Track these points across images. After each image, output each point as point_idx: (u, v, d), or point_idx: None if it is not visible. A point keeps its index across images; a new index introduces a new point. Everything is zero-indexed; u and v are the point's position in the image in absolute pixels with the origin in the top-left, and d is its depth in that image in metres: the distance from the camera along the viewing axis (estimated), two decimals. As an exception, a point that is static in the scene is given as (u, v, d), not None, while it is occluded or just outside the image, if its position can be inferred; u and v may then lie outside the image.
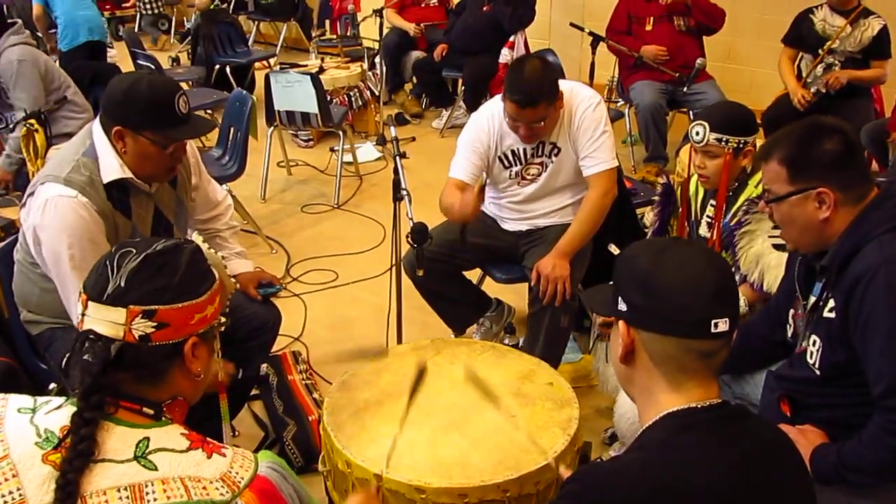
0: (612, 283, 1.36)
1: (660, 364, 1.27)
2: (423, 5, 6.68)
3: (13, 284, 2.35)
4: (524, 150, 2.83)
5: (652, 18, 5.09)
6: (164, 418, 1.26)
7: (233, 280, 1.46)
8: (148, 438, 1.20)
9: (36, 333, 2.32)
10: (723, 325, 1.23)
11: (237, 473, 1.21)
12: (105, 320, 1.22)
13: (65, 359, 1.23)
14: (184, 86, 6.13)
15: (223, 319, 1.38)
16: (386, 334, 2.76)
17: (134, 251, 1.26)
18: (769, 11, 5.73)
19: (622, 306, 1.29)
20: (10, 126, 3.89)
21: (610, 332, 2.55)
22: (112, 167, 2.13)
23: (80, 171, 2.11)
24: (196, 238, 1.46)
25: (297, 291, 3.87)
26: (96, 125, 2.18)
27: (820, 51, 4.44)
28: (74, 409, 1.19)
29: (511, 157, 2.86)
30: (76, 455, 1.14)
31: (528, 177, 2.89)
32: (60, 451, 1.16)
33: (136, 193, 2.23)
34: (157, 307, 1.23)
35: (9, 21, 4.02)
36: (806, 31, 4.52)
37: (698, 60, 4.97)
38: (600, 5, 6.13)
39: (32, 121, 3.72)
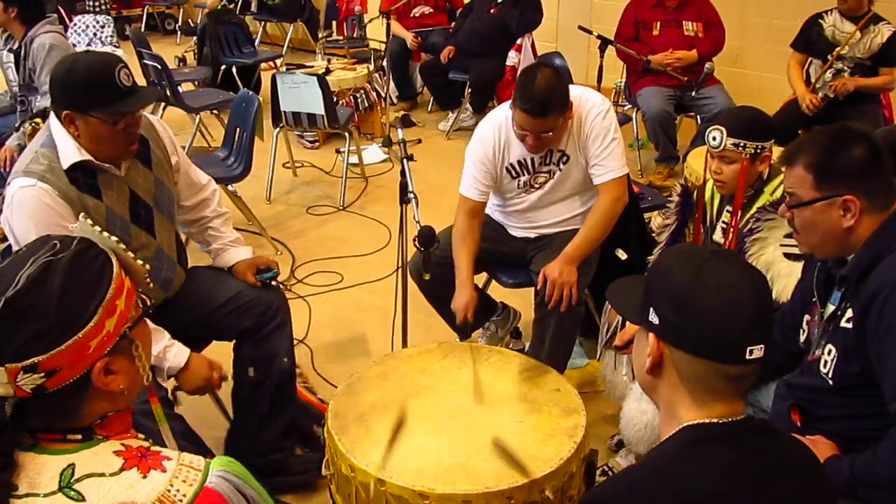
0: (632, 276, 1.33)
1: (687, 382, 1.23)
2: (417, 15, 6.67)
3: None
4: (532, 159, 2.80)
5: (659, 23, 5.09)
6: (95, 437, 1.14)
7: (140, 262, 1.25)
8: (73, 465, 1.09)
9: None
10: (758, 352, 1.19)
11: (178, 490, 1.09)
12: None
13: None
14: (190, 86, 6.20)
15: (141, 309, 1.21)
16: (391, 337, 2.74)
17: None
18: (777, 16, 5.71)
19: (654, 318, 1.25)
20: (31, 112, 3.91)
21: (628, 352, 2.53)
22: (69, 152, 2.11)
23: (38, 161, 2.10)
24: (81, 223, 1.24)
25: (302, 293, 3.85)
26: (52, 115, 2.16)
27: (829, 56, 4.43)
28: None
29: (518, 168, 2.83)
30: None
31: (536, 185, 2.87)
32: None
33: (103, 173, 2.20)
34: (36, 359, 1.06)
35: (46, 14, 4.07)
36: (815, 37, 4.51)
37: (706, 65, 4.96)
38: (608, 8, 6.13)
39: (38, 119, 3.71)
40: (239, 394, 2.57)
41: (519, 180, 2.85)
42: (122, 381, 1.16)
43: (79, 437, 1.13)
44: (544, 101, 2.55)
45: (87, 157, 2.12)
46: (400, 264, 2.62)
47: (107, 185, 2.20)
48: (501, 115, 2.80)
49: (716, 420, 1.22)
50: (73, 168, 2.11)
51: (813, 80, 4.58)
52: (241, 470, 1.18)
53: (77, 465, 1.09)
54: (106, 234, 1.21)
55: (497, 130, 2.79)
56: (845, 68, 4.44)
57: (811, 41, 4.56)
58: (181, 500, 1.09)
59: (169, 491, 1.09)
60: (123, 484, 1.08)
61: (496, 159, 2.80)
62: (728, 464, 1.17)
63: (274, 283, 2.57)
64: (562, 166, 2.80)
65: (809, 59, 4.65)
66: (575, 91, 2.71)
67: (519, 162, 2.81)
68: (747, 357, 1.18)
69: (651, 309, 1.25)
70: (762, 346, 1.19)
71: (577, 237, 2.74)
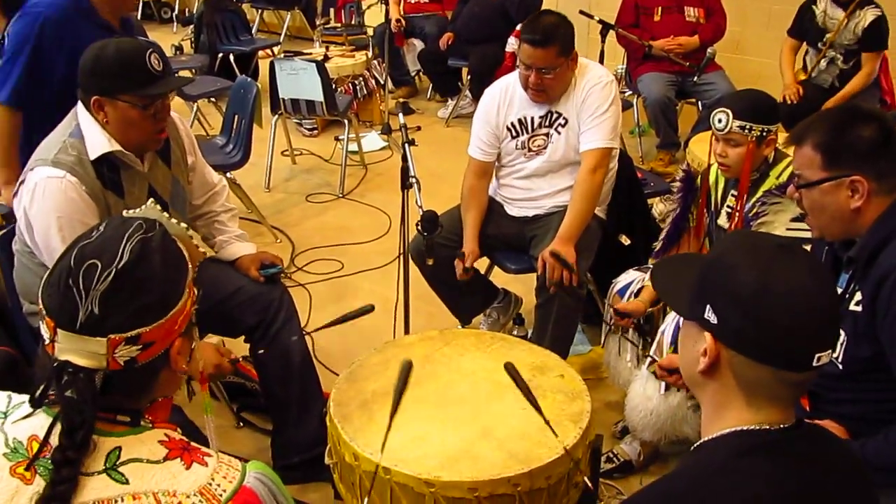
0: (679, 256, 1.26)
1: (745, 387, 1.15)
2: (412, 1, 6.63)
3: (14, 276, 2.31)
4: (531, 118, 2.85)
5: (660, 9, 5.05)
6: (142, 423, 1.16)
7: (201, 249, 1.34)
8: (120, 448, 1.10)
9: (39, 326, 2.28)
10: (825, 358, 1.12)
11: (219, 485, 1.11)
12: (83, 351, 1.09)
13: (38, 390, 1.13)
14: (187, 73, 6.16)
15: (196, 294, 1.25)
16: (393, 325, 2.72)
17: (99, 265, 1.09)
18: (778, 1, 5.66)
19: (711, 317, 1.14)
20: None
21: (626, 324, 2.51)
22: (98, 142, 2.08)
23: (67, 152, 2.07)
24: (150, 207, 1.28)
25: (302, 281, 3.83)
26: (79, 105, 2.13)
27: (821, 45, 4.44)
28: (46, 417, 1.11)
29: (518, 127, 2.88)
30: (54, 497, 1.04)
31: (534, 148, 2.89)
32: (32, 470, 1.08)
33: (126, 170, 2.18)
34: (140, 331, 1.10)
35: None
36: (808, 24, 4.53)
37: (708, 51, 4.92)
38: (608, -7, 6.08)
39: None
40: (271, 397, 2.57)
41: (518, 140, 2.90)
42: (184, 361, 1.20)
43: (127, 419, 1.15)
44: (547, 32, 2.68)
45: (116, 146, 2.10)
46: (402, 251, 2.59)
47: (129, 182, 2.19)
48: (511, 77, 2.91)
49: (767, 426, 1.14)
50: (98, 161, 2.09)
51: (809, 68, 4.58)
52: (274, 476, 1.20)
53: (123, 448, 1.11)
54: (174, 220, 1.27)
55: (503, 90, 2.90)
56: (838, 56, 4.43)
57: (804, 28, 4.57)
58: (221, 495, 1.10)
59: (210, 485, 1.11)
60: (167, 472, 1.10)
61: (499, 117, 2.89)
62: (774, 473, 1.11)
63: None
64: (560, 130, 2.84)
65: (806, 47, 4.64)
66: (583, 60, 2.83)
67: (519, 120, 2.87)
68: (815, 364, 1.11)
69: (708, 307, 1.15)
70: (829, 351, 1.12)
71: (567, 215, 2.77)
